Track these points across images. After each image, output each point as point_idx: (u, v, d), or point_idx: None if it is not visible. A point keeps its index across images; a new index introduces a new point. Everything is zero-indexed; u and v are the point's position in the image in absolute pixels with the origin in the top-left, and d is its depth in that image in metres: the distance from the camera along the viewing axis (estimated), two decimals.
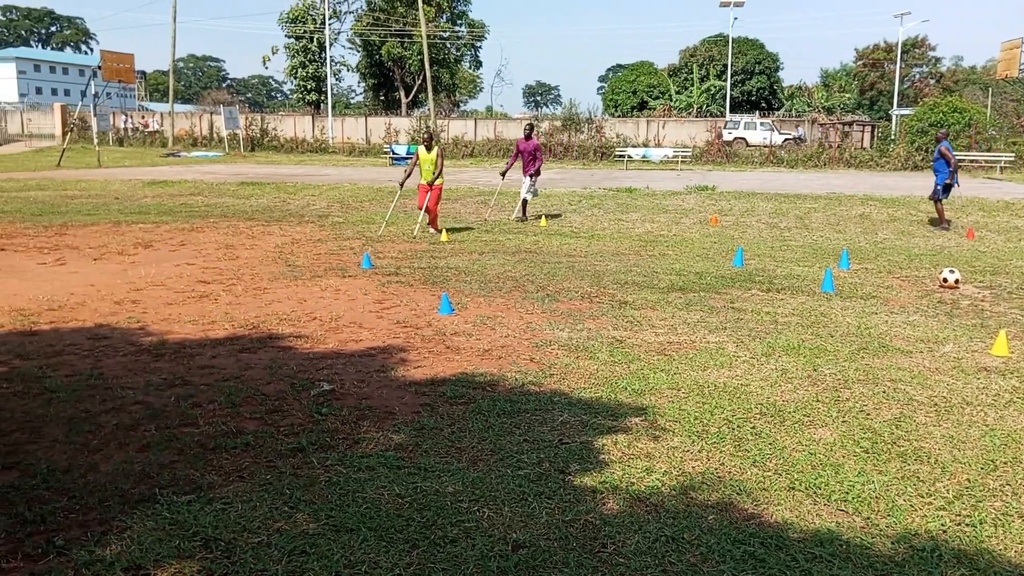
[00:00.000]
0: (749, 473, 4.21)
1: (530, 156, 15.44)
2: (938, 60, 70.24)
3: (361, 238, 12.87)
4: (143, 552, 3.33)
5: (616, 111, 68.18)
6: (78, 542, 3.41)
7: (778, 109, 63.77)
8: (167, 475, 4.08)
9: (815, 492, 4.00)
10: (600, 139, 41.51)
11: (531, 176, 15.48)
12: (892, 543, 3.51)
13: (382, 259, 10.94)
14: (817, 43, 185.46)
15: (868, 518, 3.74)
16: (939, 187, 15.41)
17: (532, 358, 6.28)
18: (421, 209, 13.82)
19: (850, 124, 43.87)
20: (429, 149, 13.64)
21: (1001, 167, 30.56)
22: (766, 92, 68.72)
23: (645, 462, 4.31)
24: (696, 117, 53.79)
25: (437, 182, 13.56)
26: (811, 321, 7.65)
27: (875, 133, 43.73)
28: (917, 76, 67.85)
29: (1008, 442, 4.68)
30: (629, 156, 36.54)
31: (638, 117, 53.94)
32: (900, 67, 53.68)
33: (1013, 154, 31.96)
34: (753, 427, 4.86)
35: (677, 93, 66.91)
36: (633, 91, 71.73)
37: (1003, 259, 11.71)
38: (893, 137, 39.64)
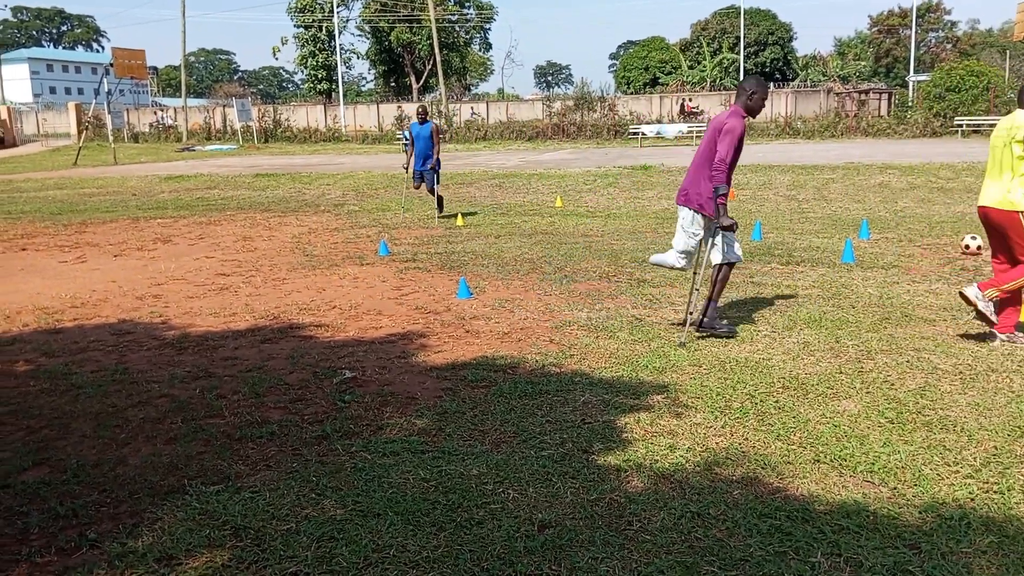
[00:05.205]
0: (773, 447, 4.19)
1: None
2: (954, 24, 69.43)
3: (377, 225, 12.89)
4: (174, 542, 3.37)
5: (629, 88, 67.74)
6: (110, 535, 3.46)
7: (793, 79, 63.08)
8: (195, 466, 4.13)
9: (840, 464, 3.98)
10: (613, 117, 41.26)
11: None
12: (920, 513, 3.49)
13: (399, 245, 10.96)
14: (830, 11, 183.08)
15: (895, 488, 3.72)
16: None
17: (552, 339, 6.28)
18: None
19: (866, 92, 43.31)
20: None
21: None
22: (780, 63, 68.03)
23: (668, 439, 4.31)
24: (710, 91, 53.31)
25: None
26: (832, 293, 7.60)
27: (892, 100, 43.21)
28: (933, 41, 66.88)
29: None
30: (643, 133, 36.28)
31: (651, 94, 53.56)
32: (915, 32, 52.86)
33: None
34: (776, 401, 4.84)
35: (689, 68, 66.31)
36: (645, 67, 71.24)
37: None
38: (910, 104, 39.15)
